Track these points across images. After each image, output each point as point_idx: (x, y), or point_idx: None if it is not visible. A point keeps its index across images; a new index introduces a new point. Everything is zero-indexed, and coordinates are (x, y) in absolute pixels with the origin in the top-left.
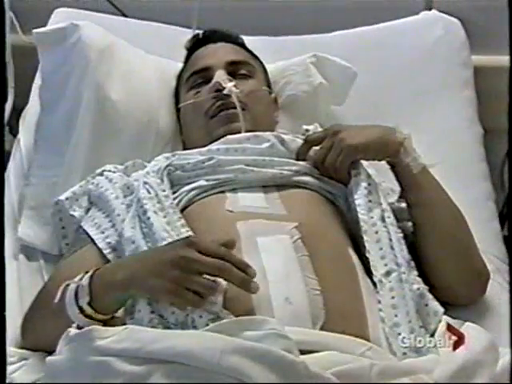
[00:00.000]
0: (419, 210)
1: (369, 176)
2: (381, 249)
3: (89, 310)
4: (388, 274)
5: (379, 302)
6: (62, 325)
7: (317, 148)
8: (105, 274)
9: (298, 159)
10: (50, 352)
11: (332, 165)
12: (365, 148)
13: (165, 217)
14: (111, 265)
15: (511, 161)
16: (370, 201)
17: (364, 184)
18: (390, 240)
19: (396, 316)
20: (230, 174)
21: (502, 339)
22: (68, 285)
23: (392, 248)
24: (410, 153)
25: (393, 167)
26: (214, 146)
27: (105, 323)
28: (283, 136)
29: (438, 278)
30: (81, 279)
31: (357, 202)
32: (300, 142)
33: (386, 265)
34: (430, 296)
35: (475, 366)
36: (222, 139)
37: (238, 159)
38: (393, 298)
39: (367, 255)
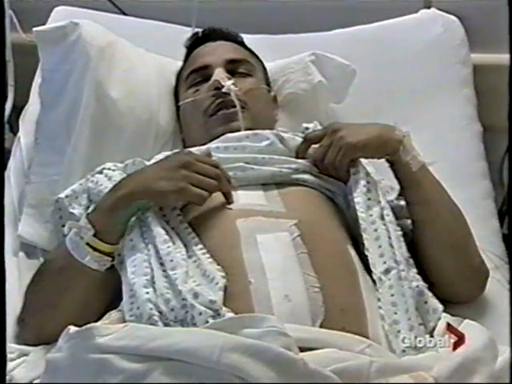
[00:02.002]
0: (418, 208)
1: (368, 174)
2: (380, 246)
3: (96, 243)
4: (387, 271)
5: (379, 299)
6: (63, 288)
7: (316, 146)
8: (102, 201)
9: (297, 157)
10: (50, 343)
11: (331, 163)
12: (364, 146)
13: (164, 215)
14: (105, 194)
15: (511, 159)
16: (369, 199)
17: (363, 182)
18: (389, 238)
19: (395, 313)
20: (229, 172)
21: (501, 337)
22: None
23: (391, 246)
24: (410, 151)
25: (392, 165)
26: (213, 144)
27: (113, 258)
28: (282, 134)
29: (437, 276)
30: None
31: (356, 199)
32: (299, 140)
33: (384, 262)
34: (429, 293)
35: (474, 364)
36: (221, 137)
37: (237, 157)
38: (392, 295)
39: (366, 253)
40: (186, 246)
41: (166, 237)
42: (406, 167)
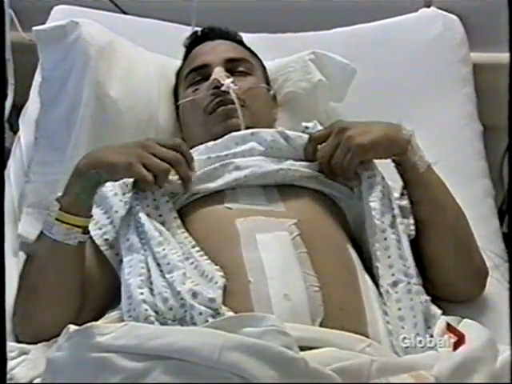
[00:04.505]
0: (424, 208)
1: (383, 178)
2: (389, 257)
3: (62, 215)
4: (395, 284)
5: (386, 313)
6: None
7: (322, 146)
8: (68, 180)
9: (307, 160)
10: (47, 336)
11: (339, 164)
12: (374, 146)
13: (160, 215)
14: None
15: (511, 158)
16: (382, 205)
17: (379, 187)
18: (399, 249)
19: (403, 328)
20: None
21: (500, 336)
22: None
23: (401, 257)
24: (417, 151)
25: (398, 165)
26: (212, 154)
27: (84, 233)
28: (288, 132)
29: (439, 275)
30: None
31: (372, 204)
32: (305, 137)
33: (393, 274)
34: (431, 305)
35: (475, 363)
36: (225, 136)
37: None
38: (399, 309)
39: (375, 263)
40: (182, 248)
41: (161, 239)
42: (414, 168)
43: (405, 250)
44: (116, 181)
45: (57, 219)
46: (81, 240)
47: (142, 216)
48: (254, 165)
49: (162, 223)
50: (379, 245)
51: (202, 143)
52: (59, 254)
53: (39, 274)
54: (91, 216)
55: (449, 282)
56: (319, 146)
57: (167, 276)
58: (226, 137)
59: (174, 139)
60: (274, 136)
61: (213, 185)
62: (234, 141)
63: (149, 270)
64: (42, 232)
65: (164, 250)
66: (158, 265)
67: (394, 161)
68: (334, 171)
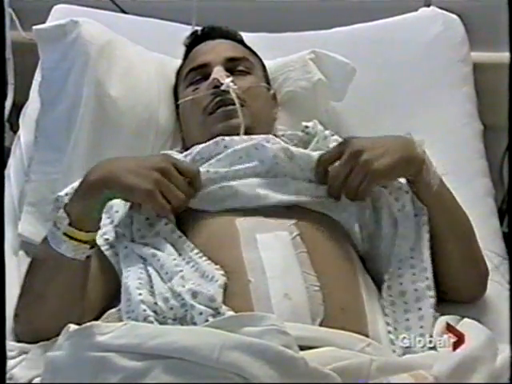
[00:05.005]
0: (437, 221)
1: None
2: (405, 303)
3: (71, 231)
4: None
5: (385, 313)
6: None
7: (333, 167)
8: (77, 188)
9: (313, 179)
10: (47, 338)
11: (354, 189)
12: (391, 171)
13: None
14: (80, 180)
15: (511, 157)
16: (405, 227)
17: (411, 216)
18: (416, 290)
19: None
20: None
21: (500, 336)
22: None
23: (420, 318)
24: (430, 168)
25: (412, 183)
26: (212, 168)
27: (91, 247)
28: (292, 150)
29: (445, 281)
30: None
31: (400, 233)
32: (312, 155)
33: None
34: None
35: (474, 362)
36: (228, 151)
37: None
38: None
39: (387, 319)
40: (178, 251)
41: (153, 250)
42: (428, 186)
43: (422, 299)
44: (128, 201)
45: (65, 234)
46: (88, 255)
47: (135, 215)
48: (255, 195)
49: (158, 232)
50: (394, 288)
51: (201, 142)
52: (66, 266)
53: (45, 283)
54: (99, 228)
55: (454, 288)
56: (330, 167)
57: (168, 284)
58: (228, 152)
59: (191, 167)
60: (278, 154)
61: (212, 208)
62: (238, 155)
63: (149, 276)
64: (47, 238)
65: (159, 260)
66: (158, 272)
67: (407, 180)
68: (346, 194)
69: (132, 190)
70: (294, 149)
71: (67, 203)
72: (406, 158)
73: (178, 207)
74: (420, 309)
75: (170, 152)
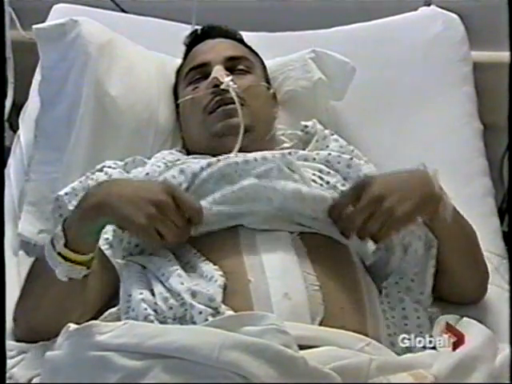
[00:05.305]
0: (446, 246)
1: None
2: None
3: (66, 252)
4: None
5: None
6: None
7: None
8: (75, 208)
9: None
10: (46, 339)
11: (373, 234)
12: (412, 217)
13: None
14: (79, 200)
15: (511, 156)
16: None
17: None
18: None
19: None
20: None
21: (500, 337)
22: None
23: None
24: (446, 203)
25: (427, 218)
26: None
27: (88, 267)
28: (304, 192)
29: (448, 286)
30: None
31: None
32: (326, 198)
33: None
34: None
35: (474, 361)
36: (234, 189)
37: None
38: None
39: (387, 322)
40: (176, 253)
41: (149, 257)
42: (443, 222)
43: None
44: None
45: (59, 253)
46: (86, 274)
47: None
48: (259, 227)
49: None
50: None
51: (201, 142)
52: (62, 284)
53: (45, 287)
54: (96, 248)
55: (456, 293)
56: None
57: (166, 283)
58: (236, 188)
59: (193, 203)
60: (288, 197)
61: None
62: (245, 191)
63: (148, 278)
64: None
65: (155, 264)
66: (156, 276)
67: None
68: (359, 235)
69: (126, 221)
70: (305, 190)
71: (66, 219)
72: (425, 198)
73: (173, 242)
74: (419, 318)
75: (170, 151)
